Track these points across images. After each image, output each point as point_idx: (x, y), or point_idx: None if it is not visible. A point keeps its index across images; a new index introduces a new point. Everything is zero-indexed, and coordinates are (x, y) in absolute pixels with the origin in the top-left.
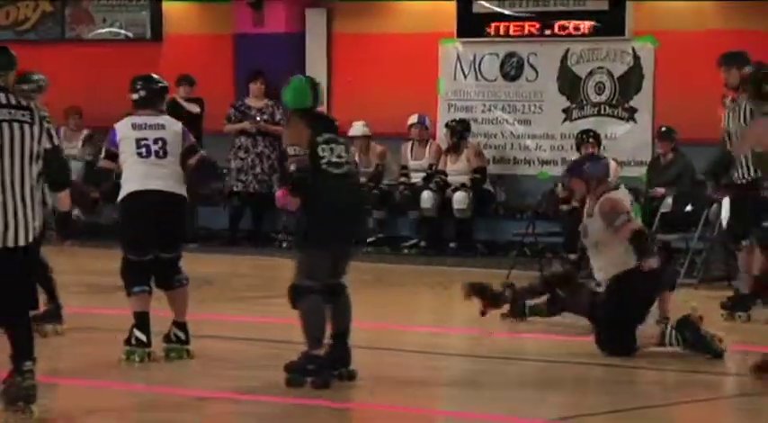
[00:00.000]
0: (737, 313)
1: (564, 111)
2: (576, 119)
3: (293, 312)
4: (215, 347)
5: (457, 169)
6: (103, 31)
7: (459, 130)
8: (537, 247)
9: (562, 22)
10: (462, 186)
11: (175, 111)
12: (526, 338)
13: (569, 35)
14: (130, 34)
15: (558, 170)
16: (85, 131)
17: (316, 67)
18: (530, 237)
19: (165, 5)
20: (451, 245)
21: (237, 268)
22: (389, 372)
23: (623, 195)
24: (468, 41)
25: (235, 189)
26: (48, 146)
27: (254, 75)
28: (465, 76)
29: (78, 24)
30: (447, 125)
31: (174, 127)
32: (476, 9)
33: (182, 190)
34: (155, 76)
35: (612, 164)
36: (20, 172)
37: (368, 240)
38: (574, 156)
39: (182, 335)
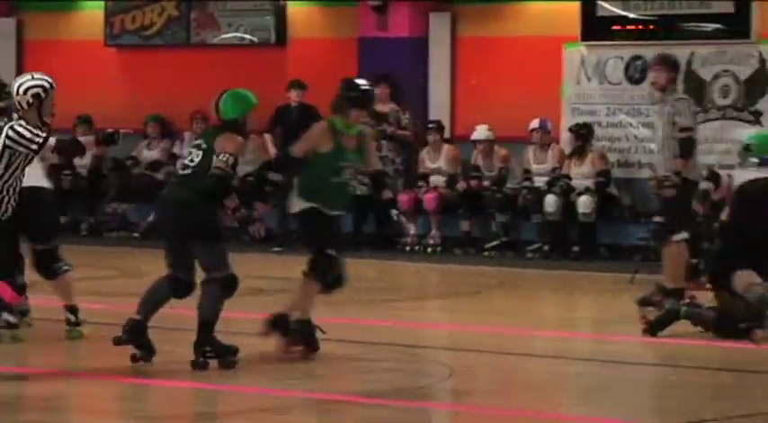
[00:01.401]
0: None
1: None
2: (700, 122)
3: (418, 316)
4: (338, 351)
5: (581, 173)
6: (228, 35)
7: (584, 134)
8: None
9: (686, 25)
10: (587, 190)
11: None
12: (651, 343)
13: (695, 38)
14: (255, 39)
15: None
16: None
17: (439, 70)
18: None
19: (289, 9)
20: (575, 249)
21: (362, 272)
22: (516, 376)
23: None
24: (593, 45)
25: (358, 193)
26: None
27: (379, 79)
28: (589, 80)
29: (204, 29)
30: (570, 129)
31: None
32: (600, 12)
33: (45, 183)
34: None
35: None
36: None
37: (491, 245)
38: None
39: (72, 317)
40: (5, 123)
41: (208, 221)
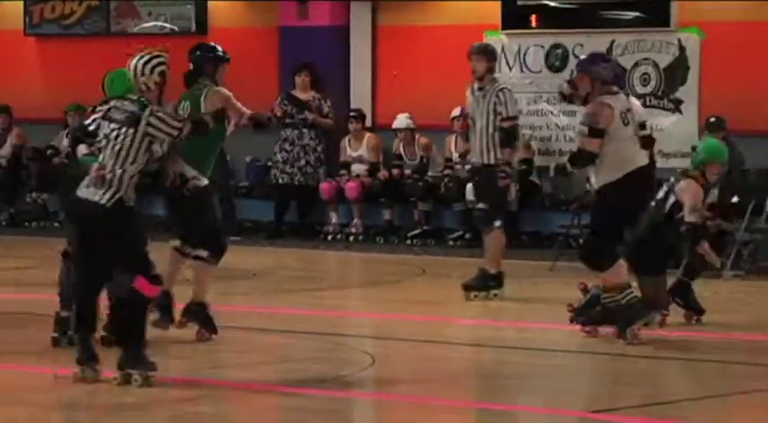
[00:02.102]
0: (473, 293)
1: None
2: None
3: (341, 305)
4: (260, 340)
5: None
6: (149, 24)
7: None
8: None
9: (605, 15)
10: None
11: None
12: (572, 330)
13: (616, 28)
14: (176, 28)
15: None
16: None
17: (360, 59)
18: (575, 228)
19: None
20: None
21: (283, 261)
22: (438, 365)
23: (616, 102)
24: (513, 33)
25: (280, 181)
26: None
27: (299, 67)
28: (510, 68)
29: (124, 18)
30: None
31: None
32: (520, 1)
33: None
34: None
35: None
36: None
37: (413, 233)
38: None
39: None
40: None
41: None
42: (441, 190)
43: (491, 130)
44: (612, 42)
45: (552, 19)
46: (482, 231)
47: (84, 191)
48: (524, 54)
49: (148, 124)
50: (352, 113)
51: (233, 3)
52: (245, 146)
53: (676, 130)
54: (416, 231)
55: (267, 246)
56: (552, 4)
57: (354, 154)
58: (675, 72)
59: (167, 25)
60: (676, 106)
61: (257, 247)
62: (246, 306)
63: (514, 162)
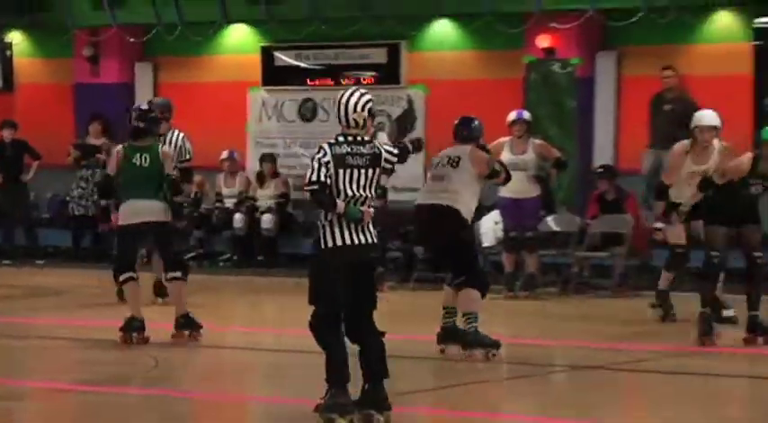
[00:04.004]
0: None
1: None
2: None
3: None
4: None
5: (265, 195)
6: None
7: (269, 164)
8: None
9: (348, 75)
10: (269, 209)
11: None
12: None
13: (356, 83)
14: None
15: None
16: None
17: None
18: None
19: (15, 59)
20: (259, 258)
21: (86, 281)
22: (213, 366)
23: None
24: (272, 89)
25: (76, 213)
26: None
27: (92, 117)
28: (269, 118)
29: None
30: (261, 158)
31: None
32: (277, 62)
33: None
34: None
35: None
36: None
37: (190, 255)
38: None
39: None
40: None
41: None
42: (212, 219)
43: None
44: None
45: (304, 77)
46: None
47: (352, 236)
48: (281, 106)
49: (386, 160)
50: None
51: (33, 60)
52: (48, 183)
53: (406, 169)
54: (192, 254)
55: (66, 268)
56: (303, 65)
57: None
58: (405, 121)
59: None
60: (410, 149)
61: (59, 269)
62: (52, 319)
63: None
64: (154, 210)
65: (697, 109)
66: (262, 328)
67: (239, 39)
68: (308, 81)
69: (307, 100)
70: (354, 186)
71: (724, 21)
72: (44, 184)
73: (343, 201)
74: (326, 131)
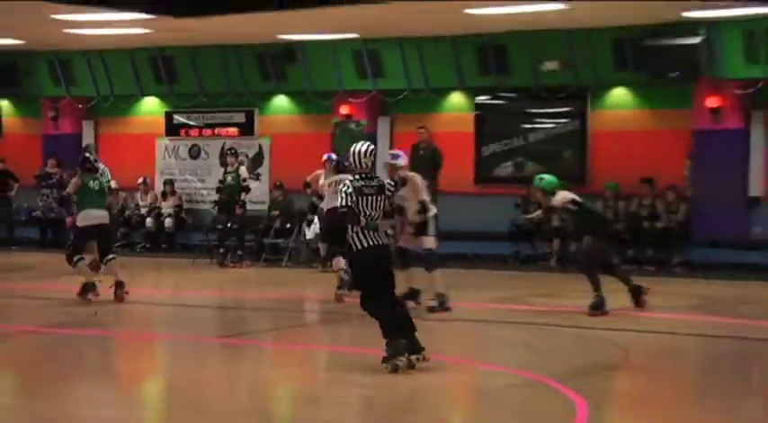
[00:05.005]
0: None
1: (224, 173)
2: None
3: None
4: None
5: (168, 205)
6: None
7: (172, 185)
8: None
9: (221, 129)
10: (169, 215)
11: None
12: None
13: (226, 135)
14: None
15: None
16: None
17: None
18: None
19: (3, 118)
20: (164, 246)
21: (45, 260)
22: (129, 314)
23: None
24: (172, 138)
25: (42, 217)
26: None
27: (50, 155)
28: (170, 157)
29: None
30: (164, 182)
31: None
32: (175, 121)
33: None
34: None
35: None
36: None
37: (118, 244)
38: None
39: None
40: None
41: None
42: (132, 222)
43: None
44: (224, 143)
45: (191, 130)
46: None
47: (373, 240)
48: (177, 149)
49: (389, 190)
50: None
51: (15, 119)
52: (24, 198)
53: (258, 190)
54: (119, 243)
55: (34, 252)
56: (192, 122)
57: None
58: (258, 159)
59: None
60: (257, 177)
61: (28, 253)
62: (26, 285)
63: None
64: (103, 215)
65: (440, 153)
66: (163, 290)
67: (150, 106)
68: (194, 133)
69: (194, 145)
70: (369, 208)
71: (457, 98)
72: (21, 199)
73: (363, 218)
74: (207, 165)
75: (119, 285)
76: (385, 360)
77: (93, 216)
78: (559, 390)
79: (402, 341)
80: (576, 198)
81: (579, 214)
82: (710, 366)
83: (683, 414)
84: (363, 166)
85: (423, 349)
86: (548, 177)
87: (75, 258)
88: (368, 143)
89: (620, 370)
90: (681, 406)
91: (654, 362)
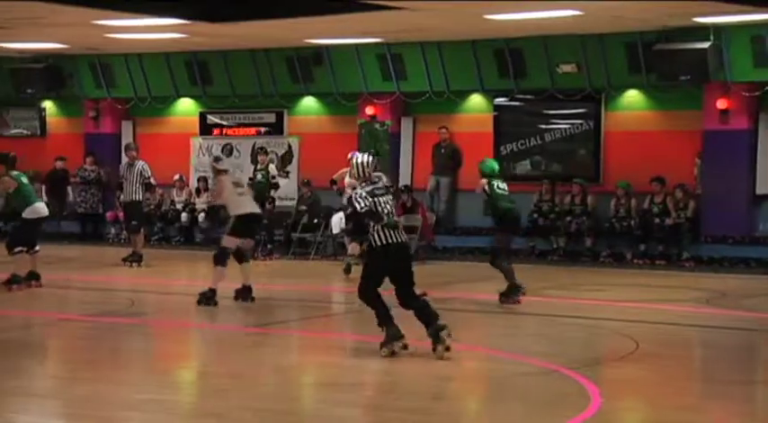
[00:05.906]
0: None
1: (254, 171)
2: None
3: None
4: None
5: (203, 201)
6: (14, 131)
7: (206, 181)
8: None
9: (251, 128)
10: (203, 211)
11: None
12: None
13: (257, 134)
14: (29, 132)
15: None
16: None
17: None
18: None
19: (47, 118)
20: (197, 240)
21: None
22: (163, 303)
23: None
24: (206, 137)
25: (80, 211)
26: None
27: (89, 154)
28: (203, 155)
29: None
30: (198, 179)
31: None
32: (209, 121)
33: None
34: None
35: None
36: None
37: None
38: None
39: None
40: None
41: None
42: (168, 216)
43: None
44: (255, 143)
45: (224, 130)
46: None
47: (393, 238)
48: (211, 148)
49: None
50: None
51: (58, 119)
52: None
53: (287, 186)
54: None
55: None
56: (224, 122)
57: None
58: (287, 157)
59: (24, 131)
60: (287, 174)
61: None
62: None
63: None
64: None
65: (461, 152)
66: (197, 281)
67: (185, 107)
68: (227, 132)
69: (226, 144)
70: (386, 207)
71: (476, 100)
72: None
73: (384, 216)
74: (239, 164)
75: (34, 276)
76: (382, 345)
77: (39, 210)
78: (573, 377)
79: (396, 327)
80: (486, 190)
81: (491, 204)
82: (718, 357)
83: (692, 402)
84: (368, 174)
85: (446, 327)
86: (488, 162)
87: (16, 250)
88: (366, 153)
89: (631, 360)
90: (689, 394)
91: (664, 352)
